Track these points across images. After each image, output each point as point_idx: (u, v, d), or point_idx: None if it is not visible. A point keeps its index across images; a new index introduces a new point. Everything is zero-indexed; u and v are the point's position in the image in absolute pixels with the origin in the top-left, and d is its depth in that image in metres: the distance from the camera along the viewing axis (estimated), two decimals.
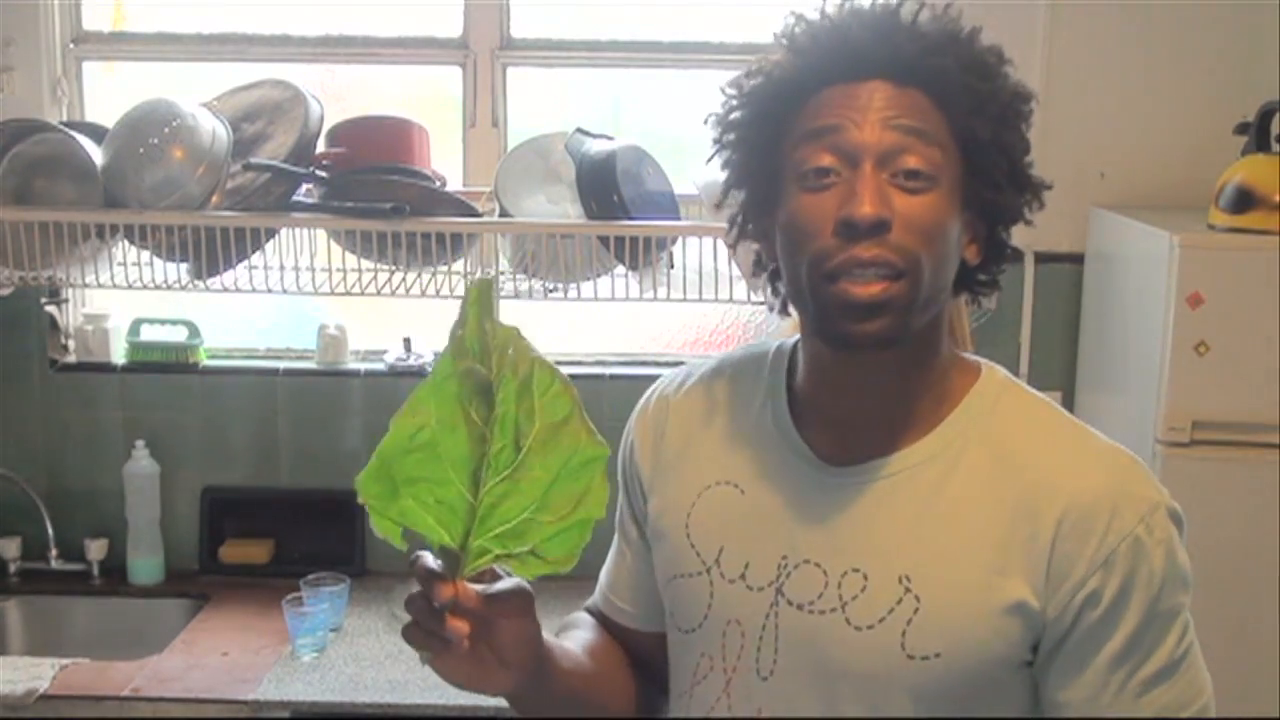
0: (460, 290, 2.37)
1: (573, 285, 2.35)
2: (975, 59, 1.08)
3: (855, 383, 1.11)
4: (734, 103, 1.12)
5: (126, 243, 2.34)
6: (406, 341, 2.71)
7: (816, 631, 1.09)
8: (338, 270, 2.36)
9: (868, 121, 1.03)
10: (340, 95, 2.66)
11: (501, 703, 1.97)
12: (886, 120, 1.03)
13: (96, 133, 2.37)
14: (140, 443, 2.67)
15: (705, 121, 1.16)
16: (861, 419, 1.11)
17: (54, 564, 2.64)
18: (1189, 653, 1.08)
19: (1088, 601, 1.04)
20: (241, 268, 2.33)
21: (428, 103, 2.72)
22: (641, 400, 1.29)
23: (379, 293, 2.36)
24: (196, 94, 2.40)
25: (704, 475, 1.18)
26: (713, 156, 1.15)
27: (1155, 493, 1.08)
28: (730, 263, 2.22)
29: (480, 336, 1.00)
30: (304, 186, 2.34)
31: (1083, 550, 1.04)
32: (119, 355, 2.73)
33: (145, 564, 2.68)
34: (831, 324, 1.05)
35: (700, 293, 2.27)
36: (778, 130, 1.09)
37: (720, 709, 1.14)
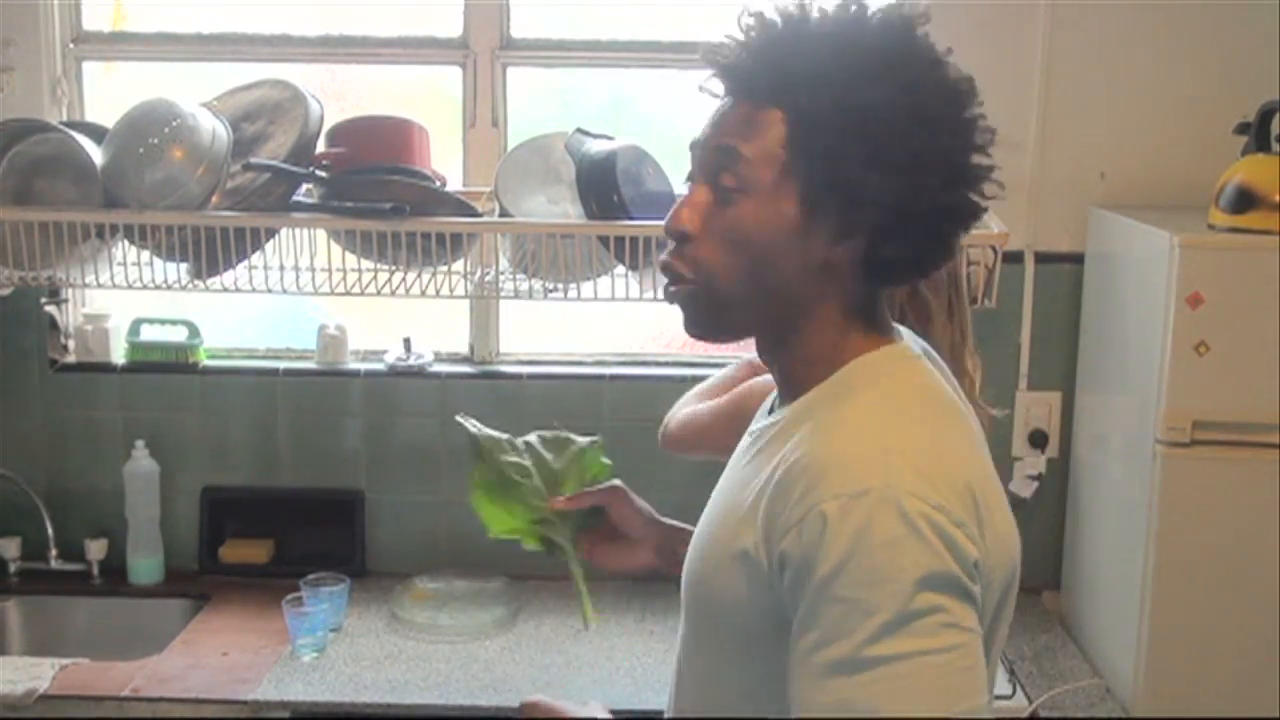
0: (460, 290, 2.38)
1: (573, 285, 2.35)
2: (817, 70, 1.10)
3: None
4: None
5: (126, 243, 2.34)
6: (406, 341, 2.71)
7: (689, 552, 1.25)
8: (338, 270, 2.36)
9: (706, 140, 1.18)
10: (340, 95, 2.66)
11: (502, 701, 1.99)
12: (715, 138, 1.16)
13: (96, 133, 2.37)
14: (140, 443, 2.67)
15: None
16: (776, 382, 1.24)
17: (54, 564, 2.64)
18: (888, 662, 0.99)
19: (783, 561, 1.06)
20: (241, 268, 2.33)
21: (428, 103, 2.72)
22: None
23: (379, 293, 2.36)
24: (196, 94, 2.40)
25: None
26: None
27: (877, 482, 1.02)
28: None
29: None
30: (304, 186, 2.34)
31: (782, 510, 1.06)
32: (119, 355, 2.73)
33: (145, 564, 2.68)
34: None
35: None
36: None
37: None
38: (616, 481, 1.57)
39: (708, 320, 1.20)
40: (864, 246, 1.13)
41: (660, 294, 2.33)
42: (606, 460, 1.60)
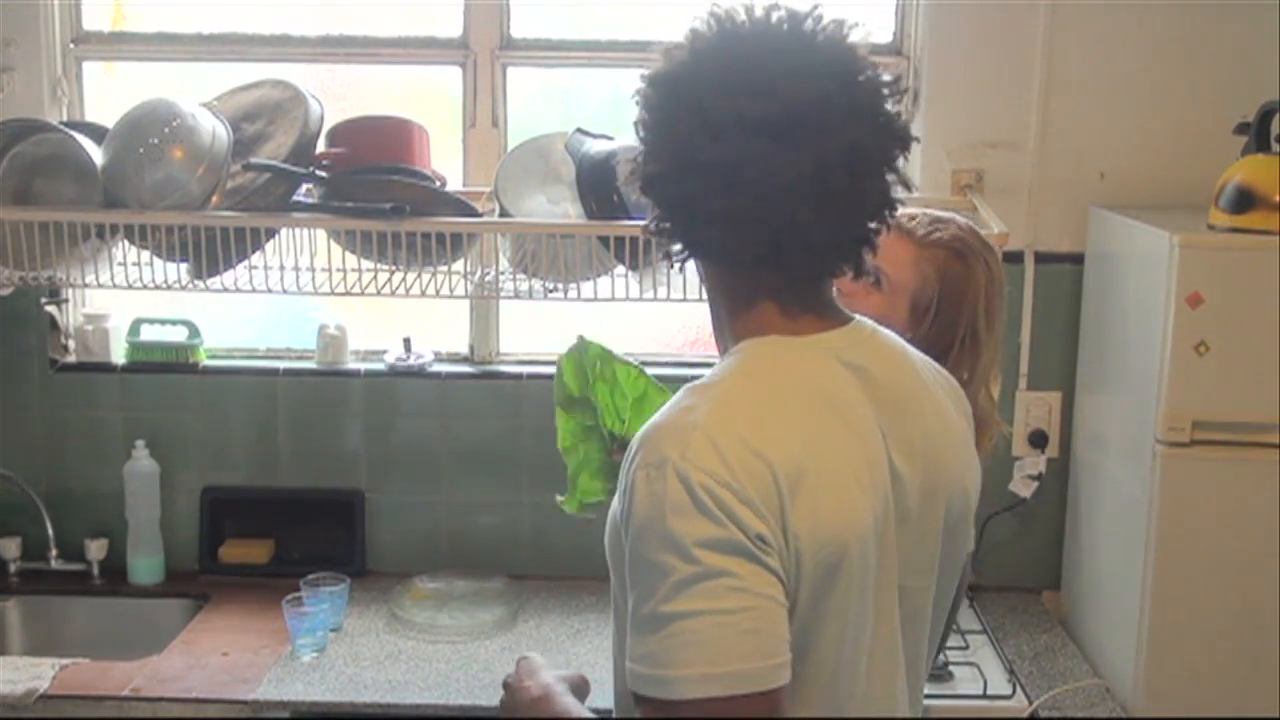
0: (460, 290, 2.38)
1: (573, 285, 2.35)
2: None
3: None
4: None
5: (126, 243, 2.34)
6: (406, 341, 2.71)
7: None
8: (338, 270, 2.36)
9: None
10: (340, 95, 2.66)
11: None
12: None
13: (96, 133, 2.37)
14: (140, 443, 2.67)
15: None
16: None
17: (54, 564, 2.64)
18: (679, 619, 1.07)
19: (624, 525, 1.15)
20: (241, 268, 2.33)
21: (428, 103, 2.72)
22: None
23: (379, 293, 2.36)
24: (196, 94, 2.40)
25: None
26: None
27: (675, 454, 1.11)
28: None
29: (579, 373, 1.89)
30: (304, 186, 2.34)
31: (623, 478, 1.17)
32: (119, 355, 2.73)
33: (145, 564, 2.68)
34: None
35: (700, 293, 2.27)
36: None
37: None
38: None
39: None
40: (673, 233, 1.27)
41: (659, 294, 2.35)
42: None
